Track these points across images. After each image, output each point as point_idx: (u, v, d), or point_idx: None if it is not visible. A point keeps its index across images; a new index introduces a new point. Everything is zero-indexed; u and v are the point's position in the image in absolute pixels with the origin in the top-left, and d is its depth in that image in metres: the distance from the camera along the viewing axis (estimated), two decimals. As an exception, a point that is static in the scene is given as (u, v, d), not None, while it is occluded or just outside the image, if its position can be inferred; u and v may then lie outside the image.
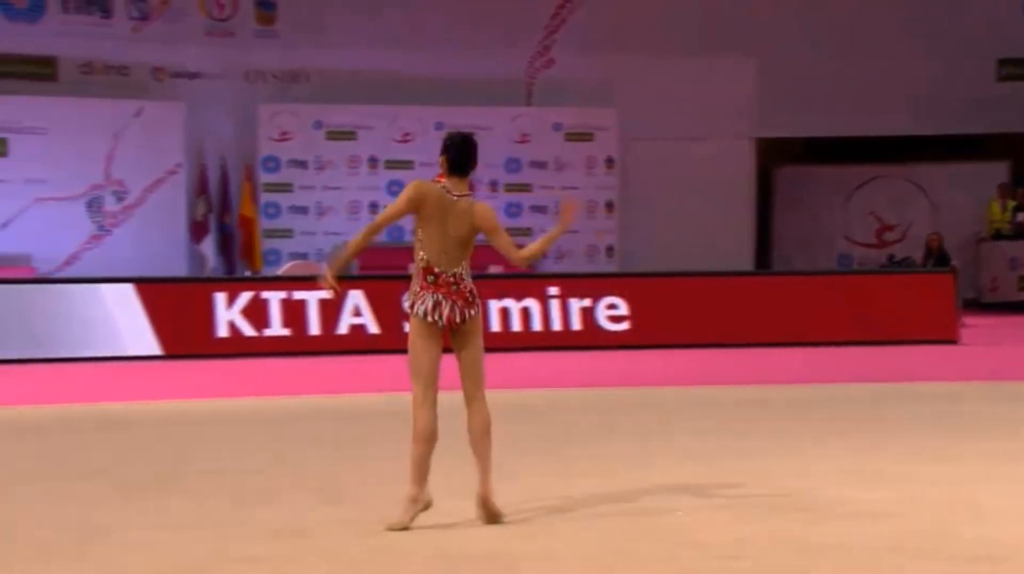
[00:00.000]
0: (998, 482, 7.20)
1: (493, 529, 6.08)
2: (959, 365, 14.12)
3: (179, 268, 18.98)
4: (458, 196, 6.18)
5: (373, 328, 15.13)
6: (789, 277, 17.47)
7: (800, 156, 22.89)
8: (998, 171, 22.24)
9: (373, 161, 20.19)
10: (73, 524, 6.32)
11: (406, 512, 6.03)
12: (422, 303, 6.12)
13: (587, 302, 15.83)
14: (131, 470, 7.88)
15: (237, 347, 14.90)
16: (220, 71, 19.97)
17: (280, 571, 5.43)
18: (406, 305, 6.28)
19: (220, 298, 15.11)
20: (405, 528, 6.00)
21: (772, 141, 22.02)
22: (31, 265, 18.41)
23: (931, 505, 6.60)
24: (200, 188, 19.54)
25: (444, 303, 6.09)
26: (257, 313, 15.11)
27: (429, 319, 6.09)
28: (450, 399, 6.37)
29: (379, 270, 17.59)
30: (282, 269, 17.98)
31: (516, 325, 15.54)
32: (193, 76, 19.89)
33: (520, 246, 6.37)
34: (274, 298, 15.22)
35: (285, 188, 19.96)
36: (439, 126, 20.16)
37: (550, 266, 20.41)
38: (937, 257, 19.84)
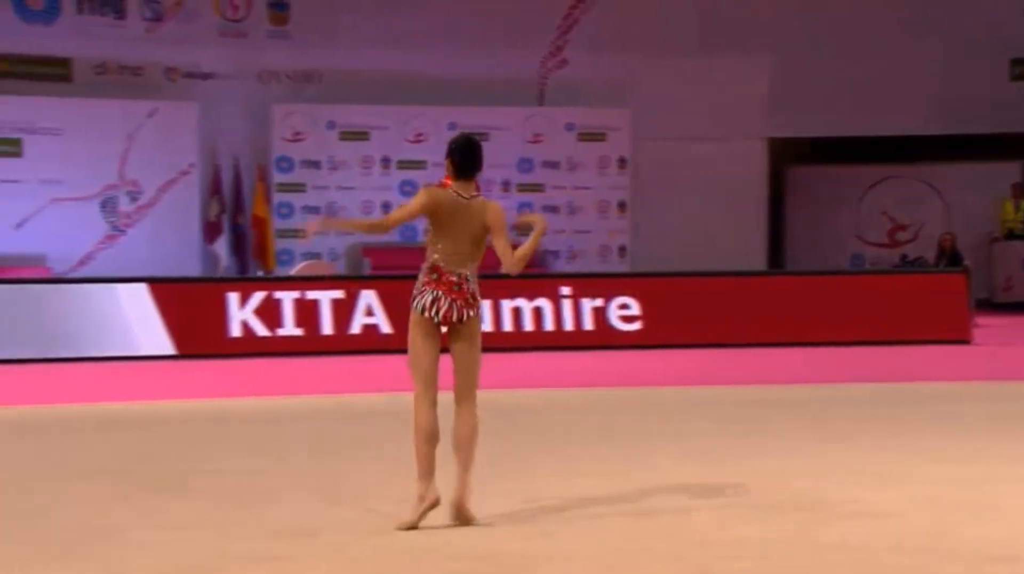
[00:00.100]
0: (1010, 482, 7.20)
1: (500, 529, 6.10)
2: (972, 365, 14.10)
3: (192, 268, 19.03)
4: (470, 197, 6.22)
5: (386, 328, 15.17)
6: (801, 277, 17.45)
7: (812, 156, 22.86)
8: (1011, 171, 22.18)
9: (386, 161, 20.22)
10: (77, 524, 6.36)
11: (414, 511, 6.06)
12: (421, 298, 6.16)
13: (599, 302, 15.84)
14: (140, 469, 7.92)
15: (250, 347, 14.94)
16: (233, 71, 20.02)
17: (285, 571, 5.46)
18: (411, 301, 6.31)
19: (233, 298, 15.15)
20: (414, 527, 6.03)
21: (784, 141, 22.00)
22: (46, 265, 18.48)
23: (941, 505, 6.60)
24: (213, 188, 19.59)
25: (443, 300, 6.12)
26: (270, 313, 15.15)
27: (426, 315, 6.12)
28: (452, 399, 6.38)
29: (391, 270, 17.63)
30: (295, 269, 18.01)
31: (528, 325, 15.55)
32: (206, 76, 19.95)
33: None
34: (287, 298, 15.26)
35: (298, 188, 20.00)
36: (452, 126, 20.18)
37: (562, 266, 20.42)
38: (950, 257, 19.80)
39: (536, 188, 20.76)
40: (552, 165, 20.80)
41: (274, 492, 7.11)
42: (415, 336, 6.16)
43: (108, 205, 19.18)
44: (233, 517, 6.44)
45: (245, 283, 16.39)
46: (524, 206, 20.65)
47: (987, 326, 17.29)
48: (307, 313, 15.24)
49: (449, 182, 6.27)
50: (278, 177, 19.90)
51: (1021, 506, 6.54)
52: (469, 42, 20.35)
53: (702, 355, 14.96)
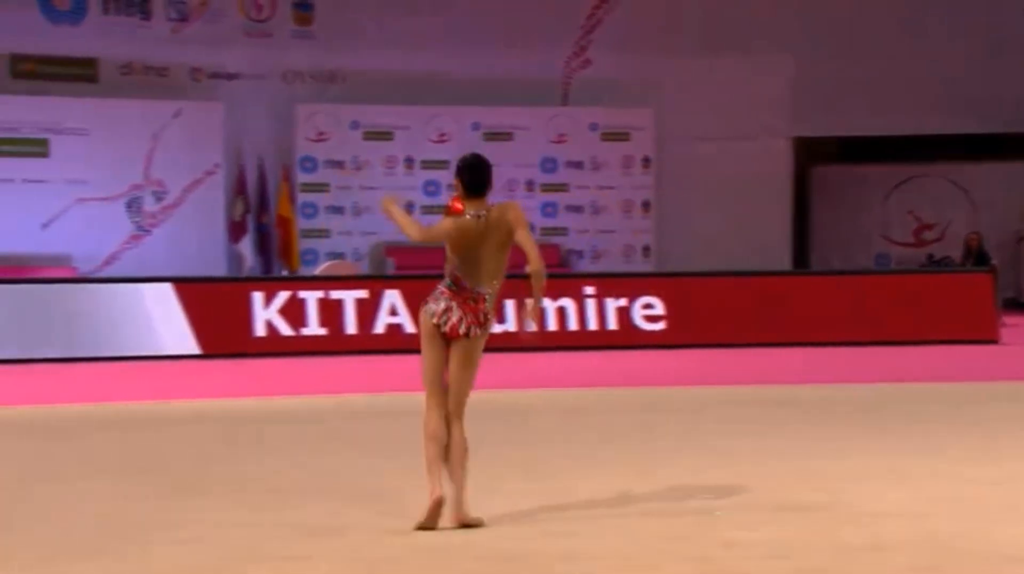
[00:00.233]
0: (1037, 483, 7.15)
1: (523, 528, 6.09)
2: (999, 365, 14.01)
3: (217, 268, 19.09)
4: (485, 214, 6.20)
5: (410, 327, 15.17)
6: (826, 277, 17.38)
7: (838, 155, 22.77)
8: (1038, 170, 22.05)
9: (409, 161, 20.24)
10: (99, 523, 6.38)
11: (429, 511, 6.07)
12: (435, 304, 6.18)
13: (623, 302, 15.82)
14: (163, 469, 7.94)
15: (274, 346, 14.98)
16: (258, 72, 20.08)
17: (306, 571, 5.46)
18: (423, 305, 6.30)
19: (258, 298, 15.20)
20: (431, 528, 6.04)
21: (809, 140, 21.92)
22: (72, 265, 18.58)
23: (967, 505, 6.56)
24: (238, 188, 19.66)
25: (454, 311, 6.14)
26: (294, 312, 15.19)
27: (434, 320, 6.15)
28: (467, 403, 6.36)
29: (415, 270, 17.65)
30: (319, 269, 18.05)
31: (552, 324, 15.54)
32: (231, 77, 20.01)
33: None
34: (311, 298, 15.29)
35: (322, 188, 20.05)
36: (475, 126, 20.20)
37: (586, 266, 20.40)
38: (976, 256, 19.69)
39: (560, 188, 20.74)
40: (576, 165, 20.78)
41: (297, 492, 7.12)
42: (423, 341, 6.23)
43: (133, 205, 19.27)
44: (255, 517, 6.45)
45: (269, 283, 16.44)
46: (548, 205, 20.65)
47: (1014, 325, 17.18)
48: (331, 313, 15.27)
49: (458, 204, 6.24)
50: (302, 177, 19.95)
51: (1049, 507, 6.50)
52: (493, 42, 20.35)
53: (726, 355, 14.91)
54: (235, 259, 19.52)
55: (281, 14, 20.27)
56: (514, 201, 6.44)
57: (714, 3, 21.21)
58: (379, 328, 15.30)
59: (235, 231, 19.56)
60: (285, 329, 15.13)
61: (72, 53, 19.33)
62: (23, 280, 16.17)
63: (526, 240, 6.20)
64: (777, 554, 5.56)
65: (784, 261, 20.99)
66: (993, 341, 15.80)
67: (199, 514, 6.53)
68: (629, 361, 14.50)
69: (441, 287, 6.23)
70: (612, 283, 16.09)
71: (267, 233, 19.75)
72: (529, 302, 6.17)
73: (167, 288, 14.97)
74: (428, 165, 20.13)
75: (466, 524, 6.09)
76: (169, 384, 12.80)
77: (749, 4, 21.22)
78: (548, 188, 20.68)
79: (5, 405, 11.31)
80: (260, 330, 15.08)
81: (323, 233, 20.00)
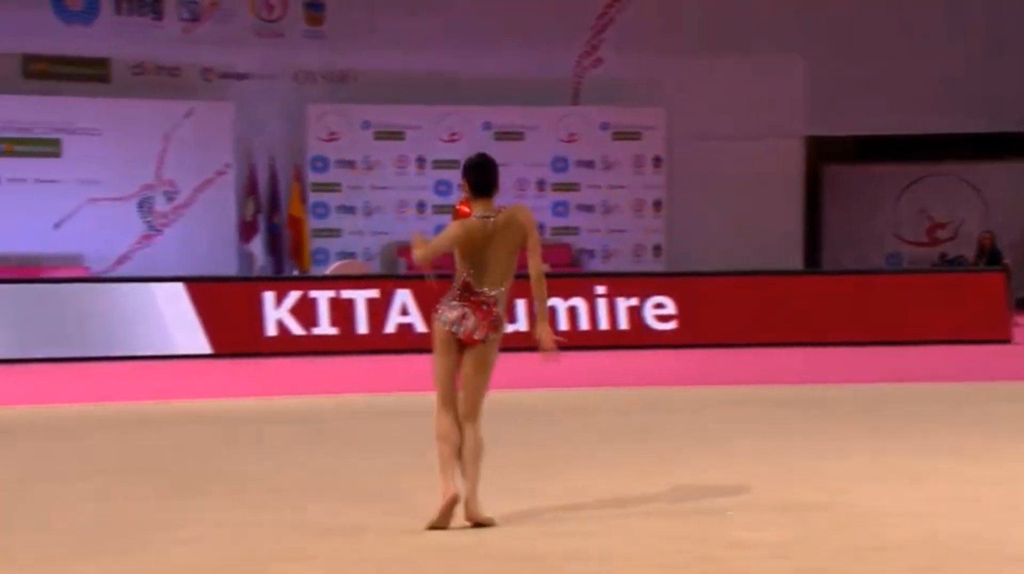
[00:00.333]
0: (1049, 484, 7.13)
1: (535, 528, 6.09)
2: (1012, 365, 13.97)
3: (228, 267, 19.12)
4: (494, 215, 6.20)
5: (421, 327, 15.18)
6: (838, 276, 17.35)
7: (850, 154, 22.72)
8: (1052, 169, 21.98)
9: (421, 161, 20.25)
10: (109, 522, 6.39)
11: (442, 509, 6.07)
12: (449, 311, 6.18)
13: (634, 301, 15.81)
14: (175, 468, 7.95)
15: (285, 346, 15.00)
16: (269, 72, 20.11)
17: (318, 570, 5.46)
18: (436, 313, 6.28)
19: (269, 297, 15.22)
20: (443, 527, 6.04)
21: (821, 139, 21.87)
22: (83, 264, 18.63)
23: (977, 506, 6.54)
24: (249, 188, 19.69)
25: (469, 318, 6.14)
26: (305, 312, 15.20)
27: (450, 328, 6.16)
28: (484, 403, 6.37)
29: (427, 269, 17.63)
30: (330, 268, 18.07)
31: (563, 324, 15.53)
32: (242, 77, 20.04)
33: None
34: (322, 297, 15.31)
35: (333, 188, 20.07)
36: (487, 126, 20.20)
37: (597, 265, 20.39)
38: (989, 255, 19.63)
39: (571, 187, 20.73)
40: (587, 164, 20.76)
41: (308, 491, 7.12)
42: (436, 346, 6.24)
43: (145, 205, 19.31)
44: (266, 516, 6.46)
45: (281, 282, 16.46)
46: (559, 205, 20.63)
47: (1027, 326, 17.12)
48: (342, 312, 15.28)
49: (465, 207, 6.23)
50: (313, 177, 19.97)
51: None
52: (504, 42, 20.34)
53: (736, 354, 14.89)
54: (246, 259, 19.55)
55: (292, 14, 20.29)
56: (523, 204, 6.42)
57: (726, 3, 21.18)
58: (390, 328, 15.31)
59: (246, 231, 19.58)
60: (296, 329, 15.14)
61: (84, 53, 19.38)
62: (35, 280, 16.23)
63: (535, 246, 6.22)
64: (789, 555, 5.55)
65: (796, 261, 20.95)
66: (1006, 340, 15.75)
67: (200, 514, 6.53)
68: (640, 361, 14.48)
69: (452, 295, 6.22)
70: (623, 283, 16.08)
71: (278, 233, 19.77)
72: (542, 336, 6.14)
73: (179, 288, 14.99)
74: (439, 165, 20.14)
75: (478, 523, 6.09)
76: (180, 384, 12.82)
77: (762, 4, 21.18)
78: (559, 188, 20.67)
79: (15, 405, 11.34)
80: (271, 330, 15.10)
81: (334, 233, 20.02)
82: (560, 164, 20.68)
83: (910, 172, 22.42)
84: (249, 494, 7.06)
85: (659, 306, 15.84)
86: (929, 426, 9.40)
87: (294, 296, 15.25)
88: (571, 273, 18.52)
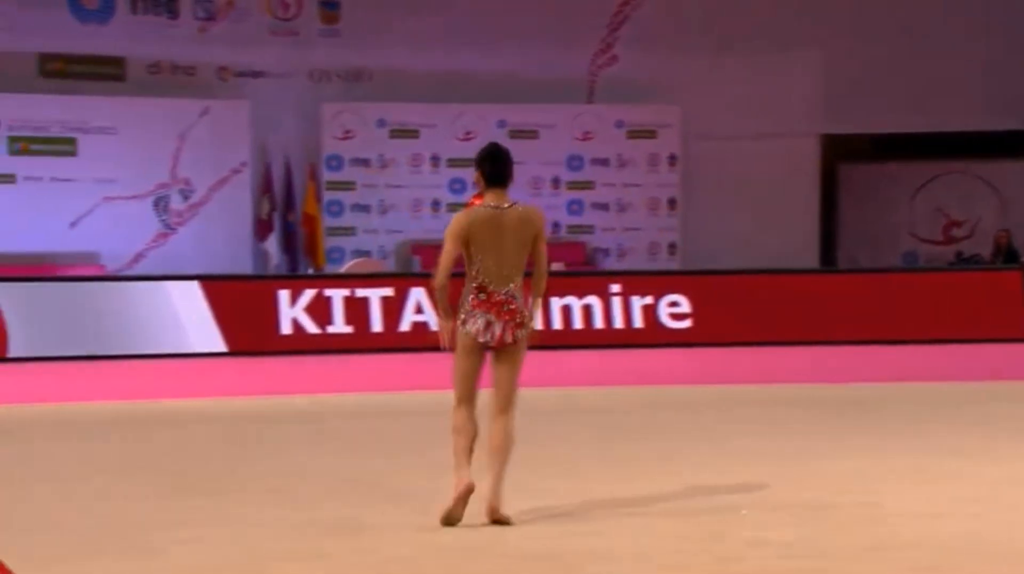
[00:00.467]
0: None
1: (553, 528, 6.08)
2: (1028, 364, 13.91)
3: (244, 266, 19.15)
4: (506, 207, 6.17)
5: (436, 325, 15.18)
6: (854, 275, 17.30)
7: (866, 152, 22.63)
8: (1069, 167, 21.87)
9: (435, 159, 20.24)
10: (125, 520, 6.39)
11: (455, 499, 6.06)
12: (474, 322, 6.16)
13: (649, 299, 15.78)
14: (190, 466, 7.96)
15: (300, 344, 15.02)
16: (284, 70, 20.13)
17: (333, 569, 5.46)
18: (459, 322, 6.24)
19: (284, 295, 15.24)
20: (455, 518, 6.04)
21: (837, 137, 21.79)
22: (99, 263, 18.67)
23: (992, 506, 6.51)
24: (264, 186, 19.71)
25: (496, 324, 6.14)
26: (320, 310, 15.22)
27: (480, 339, 6.14)
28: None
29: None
30: (345, 267, 18.08)
31: (578, 322, 15.52)
32: (258, 75, 20.06)
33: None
34: (337, 295, 15.32)
35: (348, 186, 20.07)
36: (501, 124, 20.18)
37: (612, 264, 20.36)
38: (1006, 254, 19.55)
39: (586, 186, 20.71)
40: (602, 163, 20.73)
41: (323, 489, 7.12)
42: (460, 351, 6.22)
43: (160, 203, 19.34)
44: (281, 514, 6.46)
45: (296, 281, 16.47)
46: (574, 203, 20.61)
47: (1044, 324, 17.02)
48: (357, 310, 15.29)
49: (478, 201, 6.22)
50: (328, 175, 19.98)
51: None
52: (519, 40, 20.32)
53: (753, 353, 14.85)
54: (261, 257, 19.57)
55: (307, 13, 20.31)
56: (539, 209, 6.40)
57: (742, 0, 21.12)
58: (405, 326, 15.31)
59: (261, 229, 19.61)
60: (311, 327, 15.16)
61: (100, 52, 19.42)
62: (51, 278, 16.27)
63: (542, 252, 6.22)
64: (805, 554, 5.53)
65: (811, 259, 20.88)
66: (1022, 340, 15.67)
67: (223, 512, 6.54)
68: (654, 359, 14.45)
69: (471, 301, 6.18)
70: (638, 281, 16.06)
71: (293, 231, 19.79)
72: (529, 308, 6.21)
73: (194, 286, 15.02)
74: (454, 163, 20.12)
75: (496, 519, 6.06)
76: (196, 382, 12.85)
77: (777, 1, 21.11)
78: (574, 186, 20.64)
79: (29, 403, 11.37)
80: (286, 328, 15.12)
81: (349, 231, 20.03)
82: (575, 162, 20.65)
83: (926, 170, 22.32)
84: (267, 492, 7.06)
85: (674, 304, 15.81)
86: (952, 426, 9.37)
87: (309, 294, 15.27)
88: (586, 271, 18.51)
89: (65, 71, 19.25)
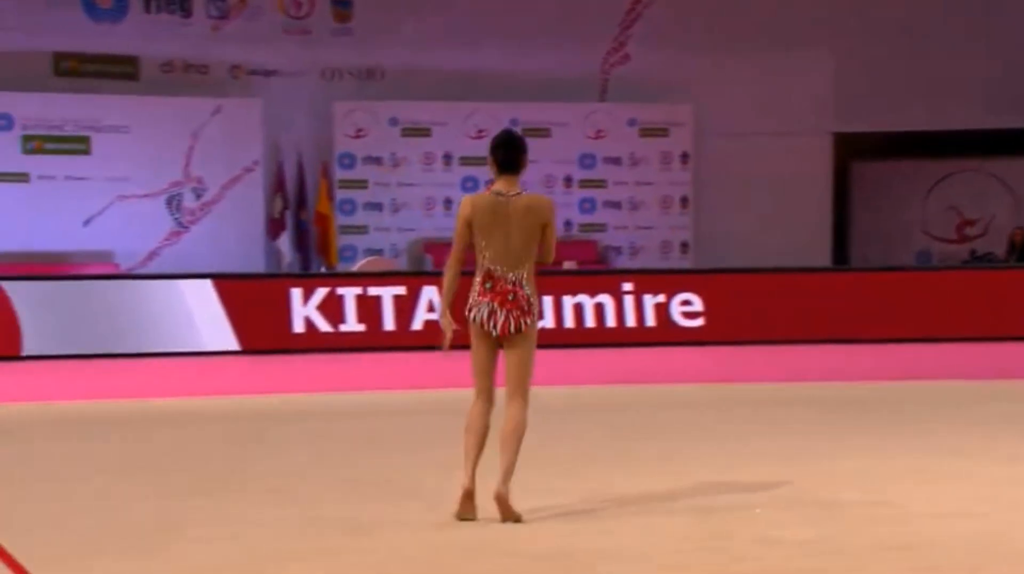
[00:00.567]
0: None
1: (564, 526, 6.08)
2: (1042, 363, 13.86)
3: (256, 264, 19.18)
4: (512, 195, 6.18)
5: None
6: (867, 273, 17.26)
7: (879, 151, 22.57)
8: (1084, 165, 21.78)
9: (447, 158, 20.25)
10: (135, 519, 6.40)
11: (460, 503, 6.07)
12: (478, 311, 6.19)
13: (661, 298, 15.77)
14: (201, 465, 7.97)
15: (313, 343, 15.04)
16: (297, 69, 20.15)
17: (342, 568, 5.46)
18: (467, 312, 6.31)
19: (296, 294, 15.26)
20: (468, 518, 6.04)
21: (850, 136, 21.74)
22: (112, 261, 18.73)
23: (1007, 506, 6.49)
24: (277, 185, 19.74)
25: (499, 313, 6.15)
26: (332, 309, 15.23)
27: (484, 328, 6.16)
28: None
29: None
30: (357, 265, 18.10)
31: (590, 321, 15.51)
32: (270, 74, 20.09)
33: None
34: (349, 294, 15.33)
35: (361, 185, 20.09)
36: (513, 122, 20.15)
37: (624, 262, 20.35)
38: (1020, 252, 19.48)
39: (598, 184, 20.69)
40: (614, 161, 20.72)
41: (333, 488, 7.13)
42: (472, 339, 6.27)
43: (173, 202, 19.39)
44: (291, 513, 6.46)
45: (308, 279, 16.49)
46: (586, 201, 20.60)
47: (1058, 323, 16.96)
48: (369, 309, 15.30)
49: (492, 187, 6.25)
50: (341, 174, 20.00)
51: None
52: (531, 38, 20.32)
53: (765, 352, 14.83)
54: (274, 255, 19.60)
55: (320, 11, 20.33)
56: (549, 199, 6.40)
57: (754, -2, 21.09)
58: (417, 324, 15.32)
59: (274, 228, 19.64)
60: (324, 325, 15.18)
61: (114, 51, 19.47)
62: (65, 276, 16.32)
63: (549, 240, 6.22)
64: (819, 553, 5.52)
65: (824, 257, 20.84)
66: (1036, 338, 15.63)
67: (233, 511, 6.54)
68: (667, 358, 14.44)
69: (477, 290, 6.21)
70: (650, 279, 16.04)
71: (305, 230, 19.82)
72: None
73: (207, 284, 15.05)
74: (466, 161, 20.13)
75: (504, 513, 6.05)
76: (208, 380, 12.87)
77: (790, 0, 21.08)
78: (586, 184, 20.63)
79: (39, 401, 11.40)
80: (299, 326, 15.14)
81: (361, 229, 20.05)
82: (587, 161, 20.64)
83: (939, 168, 22.26)
84: (277, 491, 7.07)
85: (686, 303, 15.79)
86: (966, 425, 9.33)
87: (321, 293, 15.28)
88: (598, 270, 18.50)
89: (79, 70, 19.31)
